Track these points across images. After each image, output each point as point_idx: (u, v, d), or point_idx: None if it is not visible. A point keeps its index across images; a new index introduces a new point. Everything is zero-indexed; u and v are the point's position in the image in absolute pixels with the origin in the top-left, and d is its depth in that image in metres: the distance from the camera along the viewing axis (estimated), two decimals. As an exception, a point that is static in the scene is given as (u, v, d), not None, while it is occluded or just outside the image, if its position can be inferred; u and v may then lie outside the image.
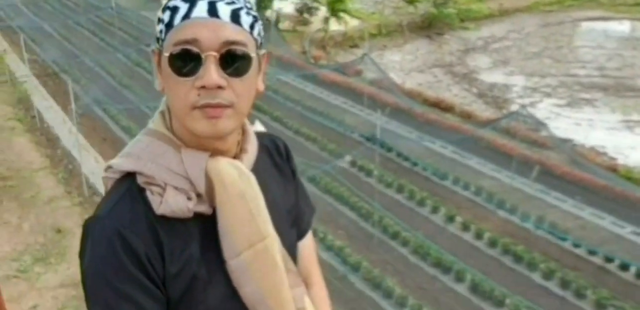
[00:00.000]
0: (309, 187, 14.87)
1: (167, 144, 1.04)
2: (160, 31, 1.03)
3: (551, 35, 33.53)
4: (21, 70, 23.66)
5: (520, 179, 15.71)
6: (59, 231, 13.36)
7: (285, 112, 19.65)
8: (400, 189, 15.09)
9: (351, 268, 12.27)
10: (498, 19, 35.55)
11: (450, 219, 13.98)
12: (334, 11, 29.18)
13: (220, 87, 0.98)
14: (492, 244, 13.06)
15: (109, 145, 17.22)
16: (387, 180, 15.37)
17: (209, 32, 0.98)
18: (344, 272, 12.22)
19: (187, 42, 0.98)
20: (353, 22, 30.16)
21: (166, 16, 1.02)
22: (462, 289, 11.90)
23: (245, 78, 1.01)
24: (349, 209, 14.33)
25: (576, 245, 13.08)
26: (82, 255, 1.00)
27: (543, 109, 22.85)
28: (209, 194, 1.03)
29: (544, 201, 14.90)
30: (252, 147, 1.13)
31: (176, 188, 1.01)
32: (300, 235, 1.31)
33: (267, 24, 31.40)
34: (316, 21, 31.39)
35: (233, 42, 0.99)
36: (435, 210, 14.30)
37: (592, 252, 12.86)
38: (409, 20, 32.94)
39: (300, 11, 32.46)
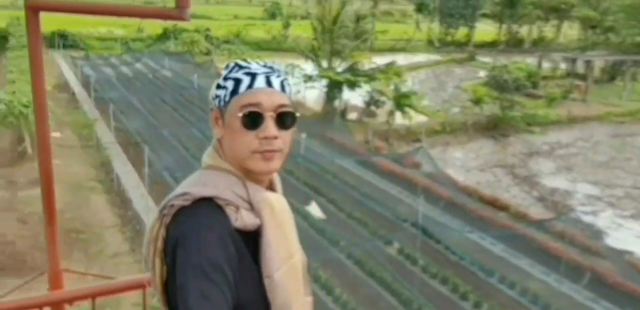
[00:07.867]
0: (355, 270, 15.23)
1: (232, 176, 1.34)
2: (225, 95, 1.36)
3: (621, 146, 33.24)
4: (107, 137, 25.83)
5: (569, 284, 15.50)
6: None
7: (341, 196, 20.37)
8: (444, 281, 15.18)
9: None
10: (566, 126, 35.67)
11: (492, 315, 13.88)
12: (400, 106, 30.33)
13: (275, 137, 1.33)
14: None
15: (174, 211, 18.30)
16: (432, 270, 15.53)
17: (268, 98, 1.34)
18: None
19: (252, 105, 1.32)
20: (418, 118, 31.28)
21: (229, 84, 1.35)
22: None
23: (290, 130, 1.37)
24: (390, 294, 14.50)
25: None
26: (192, 248, 1.23)
27: (605, 218, 22.58)
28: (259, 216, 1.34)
29: None
30: (279, 186, 1.48)
31: (245, 209, 1.31)
32: None
33: (333, 114, 32.91)
34: (382, 114, 32.70)
35: (283, 105, 1.35)
36: (477, 305, 14.25)
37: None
38: (475, 120, 33.74)
39: (367, 103, 34.03)
